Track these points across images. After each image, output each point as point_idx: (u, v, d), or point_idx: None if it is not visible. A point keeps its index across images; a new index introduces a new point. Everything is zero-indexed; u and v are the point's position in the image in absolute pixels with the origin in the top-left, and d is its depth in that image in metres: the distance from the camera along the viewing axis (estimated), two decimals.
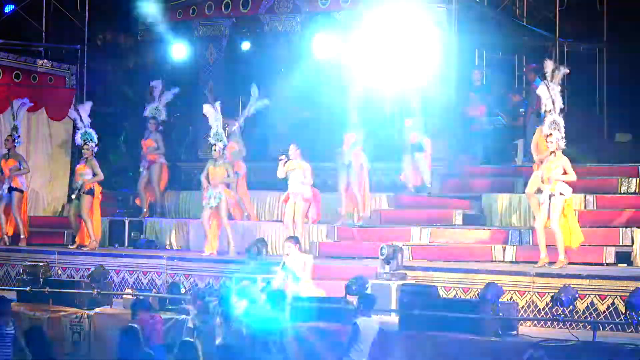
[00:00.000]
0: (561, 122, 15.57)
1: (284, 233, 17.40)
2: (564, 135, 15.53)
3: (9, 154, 20.14)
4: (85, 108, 19.93)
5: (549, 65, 15.97)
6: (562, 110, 15.73)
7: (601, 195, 17.13)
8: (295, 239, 15.72)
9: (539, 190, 15.53)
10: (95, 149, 19.49)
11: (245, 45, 22.38)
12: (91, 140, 19.46)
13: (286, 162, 17.27)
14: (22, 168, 20.13)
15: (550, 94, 15.74)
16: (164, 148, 20.86)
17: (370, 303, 12.94)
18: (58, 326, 16.20)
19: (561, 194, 15.32)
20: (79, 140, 19.63)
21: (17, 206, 19.99)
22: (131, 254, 18.83)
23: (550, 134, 15.44)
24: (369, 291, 14.74)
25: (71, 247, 19.45)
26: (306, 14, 21.12)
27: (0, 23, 22.82)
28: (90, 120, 19.75)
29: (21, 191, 20.06)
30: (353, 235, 17.95)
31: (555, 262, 15.38)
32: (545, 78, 16.05)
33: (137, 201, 21.02)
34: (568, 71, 16.25)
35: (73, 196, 19.29)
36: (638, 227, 16.10)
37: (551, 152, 15.44)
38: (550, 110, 15.69)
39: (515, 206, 17.59)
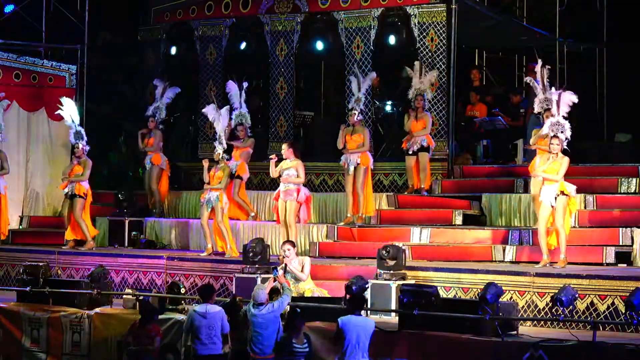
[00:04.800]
0: (567, 124, 15.51)
1: (281, 232, 17.44)
2: (568, 137, 15.50)
3: None
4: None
5: (538, 65, 15.98)
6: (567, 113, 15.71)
7: (601, 195, 17.12)
8: (292, 242, 15.75)
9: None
10: (87, 148, 19.44)
11: (245, 45, 22.40)
12: (81, 139, 19.44)
13: (277, 160, 17.27)
14: (3, 168, 20.01)
15: (548, 96, 15.74)
16: (161, 145, 20.80)
17: (357, 304, 13.00)
18: (58, 326, 16.20)
19: (564, 193, 15.32)
20: (72, 139, 19.62)
21: None
22: (131, 254, 18.82)
23: (555, 136, 15.38)
24: (368, 292, 14.79)
25: (64, 247, 19.39)
26: (306, 14, 21.13)
27: (0, 23, 22.81)
28: (79, 120, 19.71)
29: None
30: (353, 235, 17.94)
31: (556, 262, 15.38)
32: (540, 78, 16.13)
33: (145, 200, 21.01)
34: (534, 65, 16.31)
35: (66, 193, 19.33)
36: (638, 227, 16.10)
37: (552, 154, 15.40)
38: (549, 111, 15.71)
39: (515, 206, 17.58)
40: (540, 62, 16.10)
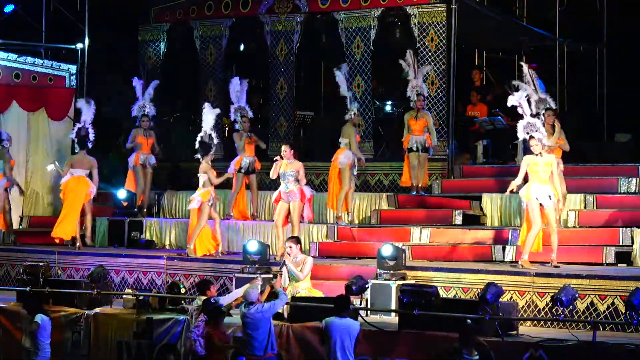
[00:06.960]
0: (537, 122, 15.44)
1: (276, 232, 17.44)
2: (545, 133, 15.43)
3: None
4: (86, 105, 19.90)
5: (525, 66, 15.97)
6: (536, 114, 15.66)
7: (601, 195, 17.14)
8: (297, 239, 15.73)
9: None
10: None
11: (245, 46, 22.40)
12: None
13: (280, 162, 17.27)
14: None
15: (541, 95, 15.71)
16: (157, 146, 20.80)
17: (340, 307, 13.00)
18: (58, 326, 16.18)
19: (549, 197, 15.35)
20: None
21: None
22: (131, 254, 18.80)
23: (532, 137, 15.30)
24: (368, 291, 14.79)
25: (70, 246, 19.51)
26: (306, 14, 21.14)
27: (0, 23, 22.81)
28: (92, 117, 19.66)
29: None
30: (353, 235, 17.95)
31: (538, 262, 15.34)
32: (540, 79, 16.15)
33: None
34: (534, 65, 16.23)
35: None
36: (638, 227, 16.10)
37: (537, 154, 15.32)
38: (549, 110, 15.72)
39: (515, 206, 17.57)
40: (525, 63, 16.05)
